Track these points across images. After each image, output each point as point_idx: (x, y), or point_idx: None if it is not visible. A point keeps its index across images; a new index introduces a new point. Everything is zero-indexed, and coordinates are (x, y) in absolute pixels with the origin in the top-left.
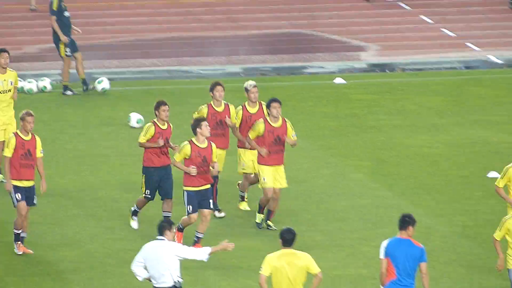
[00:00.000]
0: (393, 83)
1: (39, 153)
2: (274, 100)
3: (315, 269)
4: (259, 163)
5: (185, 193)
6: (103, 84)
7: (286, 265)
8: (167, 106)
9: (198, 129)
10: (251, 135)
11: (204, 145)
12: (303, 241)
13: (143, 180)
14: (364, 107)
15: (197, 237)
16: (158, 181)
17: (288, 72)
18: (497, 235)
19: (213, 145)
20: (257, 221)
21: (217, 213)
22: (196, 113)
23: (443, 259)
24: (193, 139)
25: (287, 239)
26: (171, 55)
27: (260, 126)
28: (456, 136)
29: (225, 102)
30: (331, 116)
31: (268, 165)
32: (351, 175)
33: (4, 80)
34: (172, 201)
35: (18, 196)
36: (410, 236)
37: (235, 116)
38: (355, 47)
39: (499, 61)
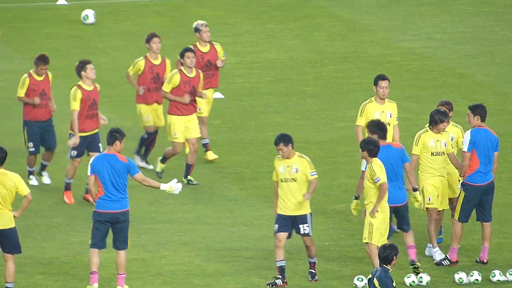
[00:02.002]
0: (115, 4)
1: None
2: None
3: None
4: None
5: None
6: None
7: None
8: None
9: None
10: (167, 88)
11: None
12: None
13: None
14: (87, 28)
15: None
16: None
17: None
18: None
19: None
20: (158, 170)
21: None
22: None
23: None
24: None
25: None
26: None
27: (176, 78)
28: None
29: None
30: (54, 37)
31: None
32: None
33: None
34: None
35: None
36: (118, 151)
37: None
38: None
39: None
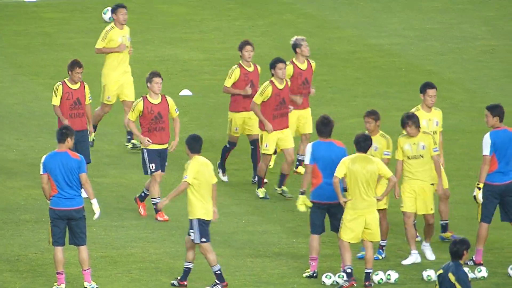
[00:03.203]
0: (83, 1)
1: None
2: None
3: None
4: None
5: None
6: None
7: None
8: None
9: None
10: (259, 100)
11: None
12: None
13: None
14: (55, 25)
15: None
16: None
17: None
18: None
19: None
20: (261, 196)
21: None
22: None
23: None
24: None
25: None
26: None
27: (268, 90)
28: (145, 54)
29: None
30: (22, 34)
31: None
32: (43, 93)
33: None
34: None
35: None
36: (68, 148)
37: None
38: None
39: None
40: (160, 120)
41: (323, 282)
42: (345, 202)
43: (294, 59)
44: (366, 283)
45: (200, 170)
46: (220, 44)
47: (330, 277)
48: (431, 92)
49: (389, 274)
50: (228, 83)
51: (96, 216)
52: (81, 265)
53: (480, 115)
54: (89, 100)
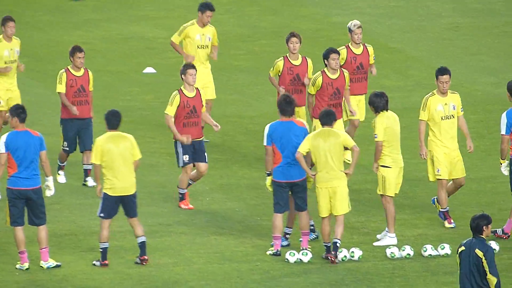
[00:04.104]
0: None
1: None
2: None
3: None
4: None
5: None
6: None
7: None
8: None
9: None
10: (312, 90)
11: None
12: None
13: None
14: (21, 2)
15: None
16: None
17: None
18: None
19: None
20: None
21: None
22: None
23: None
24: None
25: None
26: None
27: (319, 80)
28: (110, 32)
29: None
30: None
31: None
32: None
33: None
34: None
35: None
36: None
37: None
38: None
39: None
40: (194, 114)
41: (287, 259)
42: (314, 175)
43: (349, 44)
44: (332, 253)
45: (105, 149)
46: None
47: (294, 254)
48: (442, 78)
49: (352, 252)
50: (272, 73)
51: (49, 193)
52: (39, 243)
53: None
54: (92, 87)
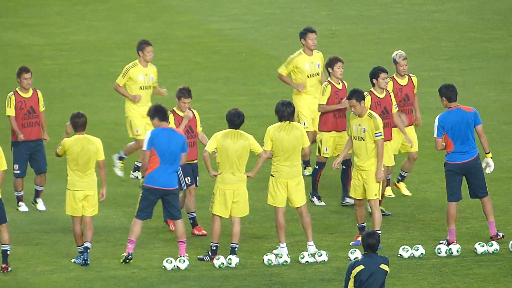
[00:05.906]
0: None
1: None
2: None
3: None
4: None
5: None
6: None
7: None
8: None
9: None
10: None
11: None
12: None
13: None
14: None
15: None
16: None
17: None
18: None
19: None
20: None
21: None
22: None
23: None
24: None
25: None
26: None
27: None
28: None
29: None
30: None
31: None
32: None
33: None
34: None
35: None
36: None
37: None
38: None
39: None
40: (190, 134)
41: (164, 267)
42: (215, 175)
43: (394, 75)
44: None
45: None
46: (61, 29)
47: (171, 261)
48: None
49: (230, 259)
50: (322, 100)
51: None
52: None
53: None
54: (43, 107)
